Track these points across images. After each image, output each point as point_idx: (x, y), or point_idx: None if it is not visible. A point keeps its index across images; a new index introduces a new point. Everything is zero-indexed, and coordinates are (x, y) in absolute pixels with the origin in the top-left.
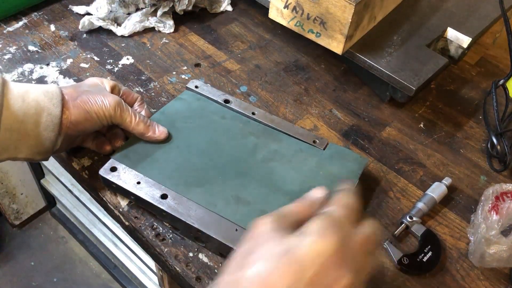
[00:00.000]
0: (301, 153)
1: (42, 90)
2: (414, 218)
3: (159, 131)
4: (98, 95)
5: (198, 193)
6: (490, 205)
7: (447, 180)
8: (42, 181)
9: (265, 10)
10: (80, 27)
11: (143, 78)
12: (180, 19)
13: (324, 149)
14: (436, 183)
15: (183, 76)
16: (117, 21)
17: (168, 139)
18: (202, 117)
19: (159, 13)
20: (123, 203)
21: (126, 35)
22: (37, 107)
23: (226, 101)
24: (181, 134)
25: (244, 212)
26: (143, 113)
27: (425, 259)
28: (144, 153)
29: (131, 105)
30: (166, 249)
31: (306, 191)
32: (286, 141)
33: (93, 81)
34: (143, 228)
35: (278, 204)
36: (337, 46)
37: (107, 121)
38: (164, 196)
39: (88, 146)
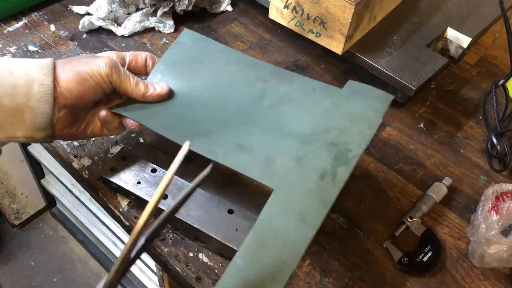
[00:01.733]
0: (314, 94)
1: (34, 62)
2: (414, 218)
3: (160, 89)
4: (90, 57)
5: (198, 142)
6: (490, 205)
7: (447, 180)
8: (42, 181)
9: (265, 10)
10: (80, 27)
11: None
12: (180, 19)
13: (342, 87)
14: (436, 183)
15: None
16: (117, 21)
17: (171, 95)
18: (204, 65)
19: (159, 13)
20: (123, 203)
21: (126, 35)
22: (26, 78)
23: None
24: (183, 87)
25: (247, 159)
26: None
27: (425, 259)
28: (143, 107)
29: (143, 69)
30: (166, 249)
31: (319, 133)
32: (298, 82)
33: (91, 54)
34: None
35: (286, 147)
36: (337, 46)
37: (104, 82)
38: (164, 196)
39: (99, 133)
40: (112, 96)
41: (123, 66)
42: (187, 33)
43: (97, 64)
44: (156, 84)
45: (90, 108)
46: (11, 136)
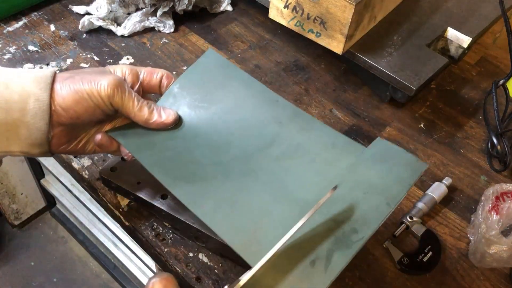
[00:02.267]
0: (332, 150)
1: (33, 75)
2: (414, 218)
3: (166, 116)
4: (94, 75)
5: (185, 189)
6: (490, 205)
7: (447, 180)
8: (42, 181)
9: (265, 10)
10: (80, 27)
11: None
12: (180, 19)
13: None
14: (436, 183)
15: None
16: (117, 21)
17: (178, 123)
18: (221, 94)
19: (159, 13)
20: (123, 203)
21: (126, 35)
22: (21, 93)
23: None
24: (193, 118)
25: (232, 223)
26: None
27: (425, 259)
28: (144, 134)
29: (157, 88)
30: (166, 249)
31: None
32: (318, 132)
33: (101, 67)
34: (143, 228)
35: (281, 217)
36: (337, 46)
37: (104, 103)
38: (164, 196)
39: (93, 150)
40: (117, 115)
41: (136, 83)
42: (210, 54)
43: (99, 84)
44: (164, 110)
45: (91, 126)
46: (6, 150)
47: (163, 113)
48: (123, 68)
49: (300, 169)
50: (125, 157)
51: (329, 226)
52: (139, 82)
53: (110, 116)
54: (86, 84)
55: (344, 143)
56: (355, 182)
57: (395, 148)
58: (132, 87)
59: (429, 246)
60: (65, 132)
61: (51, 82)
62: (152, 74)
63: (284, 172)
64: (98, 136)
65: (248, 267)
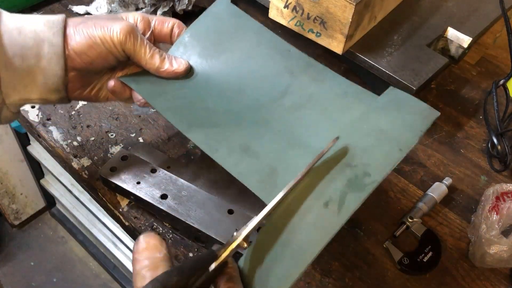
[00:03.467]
0: (344, 98)
1: (44, 20)
2: (415, 218)
3: (178, 65)
4: (107, 20)
5: (200, 133)
6: (490, 205)
7: (447, 180)
8: (41, 181)
9: (265, 10)
10: None
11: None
12: (180, 19)
13: (380, 95)
14: (437, 183)
15: None
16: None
17: (189, 73)
18: (233, 43)
19: (159, 12)
20: (123, 203)
21: None
22: (36, 38)
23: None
24: (203, 67)
25: (248, 165)
26: None
27: (425, 259)
28: (156, 82)
29: (168, 37)
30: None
31: (336, 150)
32: (330, 81)
33: (113, 14)
34: (143, 228)
35: (295, 161)
36: (337, 46)
37: (116, 49)
38: (164, 196)
39: (111, 98)
40: (129, 62)
41: (148, 30)
42: (222, 2)
43: (112, 29)
44: (175, 59)
45: (104, 72)
46: (25, 98)
47: (174, 62)
48: (135, 15)
49: (313, 118)
50: (137, 103)
51: (342, 169)
52: (151, 30)
53: (122, 63)
54: (99, 29)
55: (356, 92)
56: (368, 129)
57: (407, 96)
58: (143, 34)
59: (429, 246)
60: (79, 77)
61: (63, 26)
62: (163, 23)
63: (297, 121)
64: (111, 82)
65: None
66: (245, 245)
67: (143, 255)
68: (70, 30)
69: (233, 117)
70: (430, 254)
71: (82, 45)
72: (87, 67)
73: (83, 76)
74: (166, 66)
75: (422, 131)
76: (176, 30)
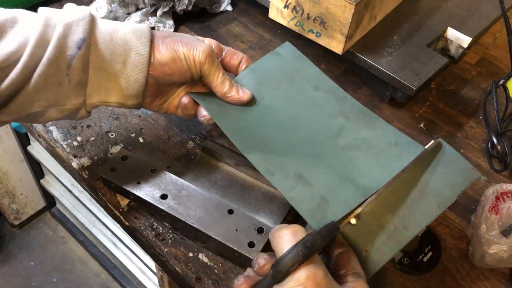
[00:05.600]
0: (395, 147)
1: (131, 28)
2: None
3: (243, 94)
4: (192, 39)
5: (259, 156)
6: (490, 205)
7: None
8: (42, 181)
9: (265, 10)
10: None
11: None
12: (180, 19)
13: (428, 147)
14: None
15: None
16: (117, 21)
17: (250, 102)
18: (292, 83)
19: (159, 13)
20: (123, 203)
21: None
22: (125, 46)
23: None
24: (264, 99)
25: (301, 192)
26: None
27: (425, 259)
28: (221, 104)
29: (234, 68)
30: (166, 249)
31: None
32: (382, 129)
33: (193, 36)
34: (143, 228)
35: (346, 197)
36: (337, 46)
37: (196, 68)
38: (164, 196)
39: (173, 110)
40: (196, 82)
41: (219, 57)
42: (287, 46)
43: (196, 49)
44: (241, 88)
45: (176, 86)
46: (104, 100)
47: (240, 90)
48: (211, 41)
49: (365, 161)
50: (202, 119)
51: (386, 219)
52: (221, 58)
53: (192, 81)
54: (184, 46)
55: (406, 142)
56: (411, 180)
57: (454, 153)
58: None
59: (429, 246)
60: (155, 87)
61: (150, 38)
62: (234, 54)
63: (349, 161)
64: (185, 99)
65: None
66: (354, 221)
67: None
68: (157, 42)
69: (289, 147)
70: (430, 254)
71: (167, 57)
72: (166, 78)
73: (158, 87)
74: (233, 93)
75: (462, 191)
76: (243, 64)
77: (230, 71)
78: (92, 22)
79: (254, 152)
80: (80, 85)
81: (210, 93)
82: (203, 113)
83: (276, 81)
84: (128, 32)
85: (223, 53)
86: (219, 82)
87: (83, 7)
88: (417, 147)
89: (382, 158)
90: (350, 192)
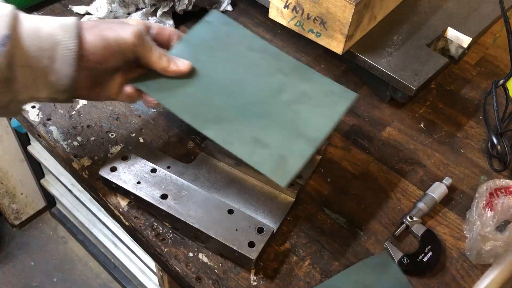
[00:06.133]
0: (331, 96)
1: (58, 23)
2: (415, 218)
3: (182, 65)
4: (119, 24)
5: (215, 129)
6: (484, 202)
7: (447, 180)
8: (42, 181)
9: (265, 10)
10: None
11: None
12: (180, 19)
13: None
14: (436, 183)
15: None
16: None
17: (190, 73)
18: (227, 48)
19: (159, 13)
20: (123, 203)
21: None
22: (52, 41)
23: None
24: (204, 68)
25: (261, 155)
26: None
27: (425, 259)
28: (164, 83)
29: (166, 43)
30: (166, 249)
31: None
32: (318, 81)
33: (119, 19)
34: (143, 228)
35: (300, 150)
36: (337, 46)
37: (129, 50)
38: (164, 196)
39: (114, 97)
40: (132, 64)
41: (148, 35)
42: (214, 14)
43: (125, 32)
44: (178, 59)
45: (111, 73)
46: (35, 96)
47: (178, 62)
48: (138, 21)
49: (309, 113)
50: (150, 105)
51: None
52: (151, 34)
53: (128, 65)
54: (112, 32)
55: (341, 91)
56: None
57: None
58: None
59: (429, 246)
60: (90, 77)
61: (77, 31)
62: (163, 30)
63: (296, 115)
64: (128, 89)
65: (245, 269)
66: None
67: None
68: (85, 33)
69: (239, 111)
70: (430, 254)
71: (98, 47)
72: (99, 66)
73: (94, 77)
74: (172, 65)
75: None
76: (173, 37)
77: (163, 47)
78: (15, 18)
79: (209, 125)
80: (7, 82)
81: (150, 76)
82: (149, 98)
83: (211, 48)
84: (54, 27)
85: (153, 31)
86: (157, 58)
87: (4, 4)
88: (350, 93)
89: (322, 108)
90: (303, 145)
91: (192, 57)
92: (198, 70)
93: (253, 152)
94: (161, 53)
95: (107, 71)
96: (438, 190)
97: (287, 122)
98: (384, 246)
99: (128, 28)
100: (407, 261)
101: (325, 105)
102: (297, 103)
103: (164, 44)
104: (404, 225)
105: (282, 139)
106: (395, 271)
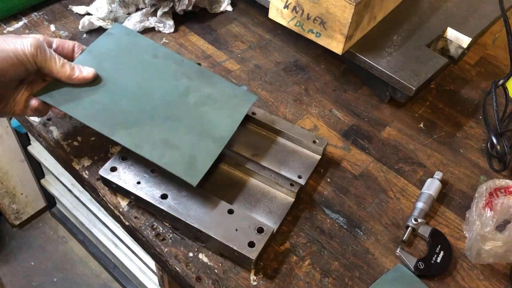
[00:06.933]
0: (234, 99)
1: None
2: (419, 220)
3: (86, 72)
4: (16, 37)
5: (124, 135)
6: (484, 202)
7: (438, 175)
8: (42, 181)
9: (265, 10)
10: (80, 27)
11: None
12: (180, 19)
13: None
14: (429, 180)
15: None
16: (117, 21)
17: (95, 81)
18: (132, 56)
19: (159, 13)
20: (123, 203)
21: None
22: None
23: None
24: (109, 75)
25: (171, 156)
26: None
27: (438, 260)
28: (69, 93)
29: (70, 56)
30: (166, 249)
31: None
32: (220, 85)
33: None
34: (143, 228)
35: (208, 150)
36: (337, 46)
37: (28, 61)
38: (164, 196)
39: (21, 112)
40: (35, 77)
41: (51, 47)
42: (117, 26)
43: (23, 43)
44: (82, 67)
45: (12, 87)
46: None
47: (82, 69)
48: (36, 35)
49: (214, 114)
50: (58, 116)
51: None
52: (53, 48)
53: (31, 76)
54: (10, 44)
55: (243, 93)
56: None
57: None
58: None
59: (439, 246)
60: None
61: None
62: (64, 43)
63: (202, 117)
64: (34, 102)
65: (245, 269)
66: None
67: None
68: None
69: (147, 115)
70: (441, 253)
71: None
72: (1, 80)
73: None
74: (77, 73)
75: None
76: (77, 49)
77: (66, 59)
78: None
79: (118, 131)
80: None
81: (55, 87)
82: (56, 110)
83: (115, 56)
84: None
85: (54, 45)
86: (60, 67)
87: None
88: (250, 96)
89: (227, 110)
90: (210, 145)
91: (97, 65)
92: (103, 78)
93: (163, 154)
94: (63, 61)
95: (9, 84)
96: (432, 187)
97: (195, 123)
98: (397, 254)
99: (26, 39)
100: (422, 265)
101: (228, 107)
102: (203, 105)
103: (68, 57)
104: (410, 229)
105: (191, 139)
106: (414, 280)
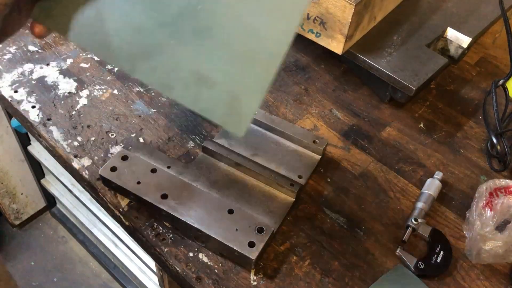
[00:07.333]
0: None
1: None
2: (419, 220)
3: None
4: None
5: (147, 70)
6: (484, 202)
7: (438, 175)
8: (42, 181)
9: None
10: None
11: None
12: None
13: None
14: (429, 180)
15: None
16: None
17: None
18: None
19: None
20: (123, 203)
21: None
22: None
23: None
24: None
25: (208, 98)
26: None
27: (438, 259)
28: (70, 13)
29: None
30: (166, 249)
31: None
32: None
33: None
34: (143, 228)
35: (253, 79)
36: (337, 46)
37: None
38: (164, 196)
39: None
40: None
41: None
42: None
43: None
44: None
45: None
46: None
47: None
48: None
49: (256, 16)
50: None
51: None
52: None
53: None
54: None
55: None
56: None
57: None
58: None
59: (439, 246)
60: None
61: None
62: None
63: (239, 22)
64: (37, 29)
65: (245, 269)
66: None
67: None
68: None
69: (170, 31)
70: (442, 253)
71: None
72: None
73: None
74: None
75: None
76: None
77: None
78: None
79: (140, 65)
80: None
81: (53, 7)
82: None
83: None
84: None
85: None
86: None
87: None
88: None
89: (272, 8)
90: (257, 72)
91: None
92: None
93: (198, 94)
94: None
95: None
96: (432, 187)
97: (231, 36)
98: (397, 254)
99: None
100: (422, 265)
101: (274, 2)
102: (240, 4)
103: None
104: (410, 229)
105: (231, 67)
106: (414, 281)
